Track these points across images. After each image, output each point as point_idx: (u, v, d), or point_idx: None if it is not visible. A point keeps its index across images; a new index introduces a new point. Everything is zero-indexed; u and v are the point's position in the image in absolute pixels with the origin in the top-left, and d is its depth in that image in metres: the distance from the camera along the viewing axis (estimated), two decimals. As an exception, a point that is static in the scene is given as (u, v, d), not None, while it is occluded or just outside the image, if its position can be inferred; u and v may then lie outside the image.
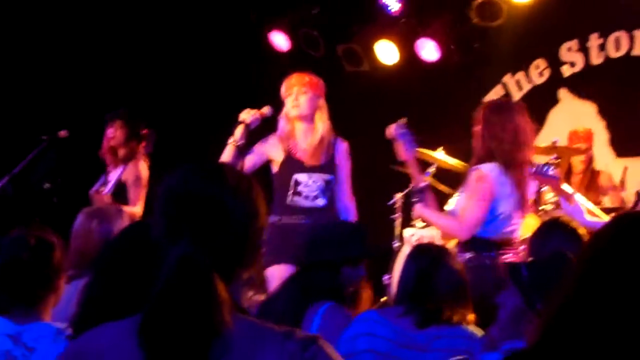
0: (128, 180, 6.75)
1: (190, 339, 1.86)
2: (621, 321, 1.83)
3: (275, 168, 5.60)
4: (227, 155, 5.44)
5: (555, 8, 7.96)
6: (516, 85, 8.54)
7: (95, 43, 8.74)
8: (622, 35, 8.02)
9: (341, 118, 8.85)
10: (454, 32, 8.33)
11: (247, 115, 5.48)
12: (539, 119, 8.25)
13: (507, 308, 3.12)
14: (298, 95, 5.60)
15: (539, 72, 8.44)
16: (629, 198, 6.46)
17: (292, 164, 5.56)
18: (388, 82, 8.64)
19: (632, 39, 7.98)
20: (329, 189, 5.55)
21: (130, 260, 2.47)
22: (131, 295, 2.24)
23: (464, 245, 4.86)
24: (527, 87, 8.49)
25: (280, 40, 8.98)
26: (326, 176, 5.56)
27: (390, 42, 8.61)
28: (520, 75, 8.52)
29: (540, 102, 8.16)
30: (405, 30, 8.51)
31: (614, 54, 8.06)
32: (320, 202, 5.49)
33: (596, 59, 8.15)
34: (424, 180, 5.17)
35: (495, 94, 8.59)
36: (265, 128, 5.65)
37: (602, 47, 8.13)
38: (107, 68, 8.80)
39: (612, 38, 8.07)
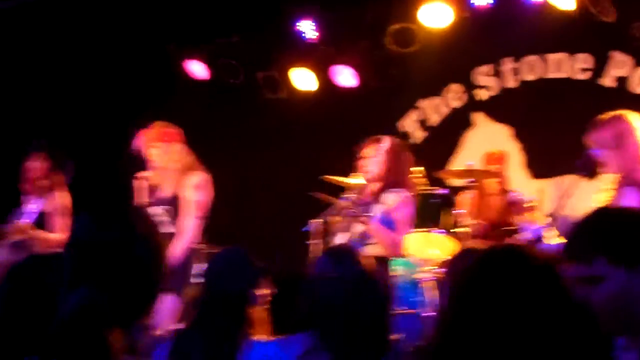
0: (52, 210, 6.72)
1: None
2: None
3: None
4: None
5: (469, 33, 8.07)
6: (433, 109, 8.61)
7: (6, 72, 8.63)
8: (535, 59, 8.15)
9: (260, 144, 8.91)
10: (370, 58, 8.40)
11: (147, 174, 6.18)
12: (455, 143, 8.38)
13: None
14: (150, 150, 6.18)
15: (454, 96, 8.53)
16: (543, 220, 6.54)
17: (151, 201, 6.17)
18: (306, 108, 8.67)
19: (545, 63, 8.11)
20: (168, 218, 6.03)
21: (22, 296, 2.41)
22: (25, 333, 2.18)
23: None
24: (444, 111, 8.57)
25: (198, 69, 8.96)
26: (164, 207, 6.06)
27: (308, 69, 8.63)
28: (436, 99, 8.60)
29: (457, 126, 8.26)
30: (322, 57, 8.55)
31: (528, 77, 8.19)
32: (169, 229, 5.95)
33: (511, 82, 8.27)
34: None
35: (410, 118, 8.66)
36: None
37: (516, 71, 8.25)
38: (20, 98, 8.68)
39: (525, 62, 8.20)
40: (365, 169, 6.28)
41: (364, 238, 5.77)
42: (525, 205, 5.77)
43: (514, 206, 5.97)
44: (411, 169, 6.40)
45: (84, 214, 2.08)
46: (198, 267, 6.07)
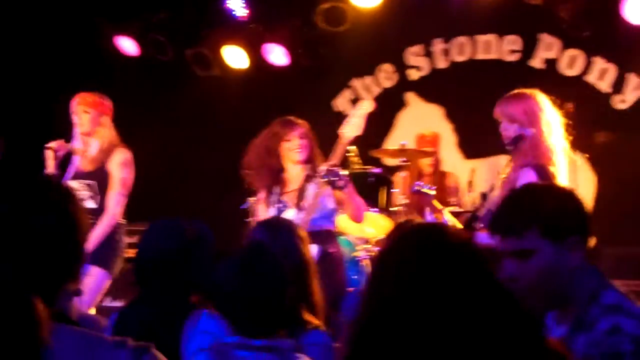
0: None
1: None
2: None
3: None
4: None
5: (400, 14, 8.11)
6: (364, 89, 8.65)
7: None
8: (465, 40, 8.24)
9: (193, 122, 8.85)
10: (301, 37, 8.39)
11: (54, 144, 6.08)
12: (388, 122, 8.44)
13: None
14: (81, 114, 6.13)
15: (386, 76, 8.58)
16: (476, 200, 6.64)
17: (72, 172, 6.19)
18: (239, 86, 8.65)
19: (474, 44, 8.21)
20: (90, 193, 6.05)
21: None
22: None
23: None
24: (375, 90, 8.62)
25: (128, 46, 8.85)
26: (88, 181, 6.08)
27: (239, 47, 8.59)
28: (368, 79, 8.64)
29: (389, 106, 8.32)
30: (252, 35, 8.51)
31: (458, 58, 8.28)
32: (89, 204, 5.99)
33: (441, 63, 8.35)
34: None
35: (344, 97, 8.70)
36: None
37: (446, 51, 8.33)
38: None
39: (455, 43, 8.28)
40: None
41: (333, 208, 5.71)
42: (428, 196, 5.92)
43: (419, 197, 6.07)
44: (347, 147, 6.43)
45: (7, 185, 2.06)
46: (123, 242, 6.15)
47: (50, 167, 6.03)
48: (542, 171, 4.81)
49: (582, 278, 2.58)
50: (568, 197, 2.67)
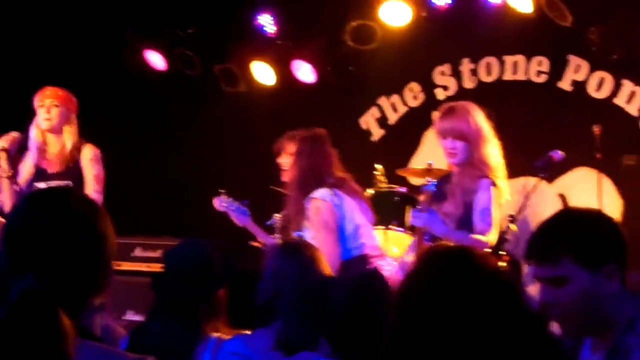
0: None
1: None
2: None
3: (21, 179, 5.79)
4: (5, 190, 5.65)
5: (428, 33, 8.12)
6: (391, 107, 8.65)
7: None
8: (493, 60, 8.23)
9: (219, 137, 8.86)
10: (329, 54, 8.40)
11: (4, 142, 5.67)
12: (414, 142, 8.42)
13: None
14: (50, 107, 5.79)
15: (413, 95, 8.57)
16: (503, 222, 6.61)
17: (36, 174, 5.81)
18: (266, 102, 8.65)
19: (502, 64, 8.19)
20: None
21: None
22: None
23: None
24: (402, 109, 8.61)
25: (156, 60, 8.89)
26: (63, 182, 5.73)
27: (266, 64, 8.61)
28: (395, 98, 8.63)
29: (415, 125, 8.31)
30: (280, 52, 8.53)
31: (485, 78, 8.26)
32: None
33: (468, 83, 8.34)
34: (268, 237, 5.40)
35: (371, 115, 8.69)
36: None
37: (473, 71, 8.32)
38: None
39: (483, 63, 8.27)
40: None
41: None
42: None
43: None
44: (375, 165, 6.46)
45: (24, 199, 2.07)
46: None
47: (5, 169, 5.67)
48: (494, 183, 5.03)
49: (619, 305, 2.56)
50: (605, 224, 2.65)
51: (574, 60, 7.83)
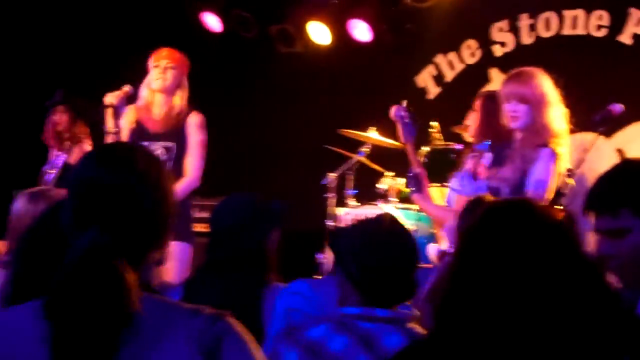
0: (76, 163, 6.64)
1: (97, 325, 1.86)
2: (497, 304, 2.01)
3: (122, 135, 5.75)
4: None
5: (486, -12, 8.04)
6: (448, 65, 8.58)
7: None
8: (552, 15, 8.10)
9: (276, 98, 8.89)
10: (386, 12, 8.34)
11: (113, 98, 5.64)
12: (471, 99, 8.32)
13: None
14: (166, 69, 5.78)
15: (470, 52, 8.48)
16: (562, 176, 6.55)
17: (138, 132, 5.80)
18: (321, 62, 8.62)
19: (561, 19, 8.06)
20: (169, 157, 5.69)
21: (47, 244, 2.41)
22: (46, 280, 2.19)
23: None
24: (459, 67, 8.53)
25: (212, 22, 8.90)
26: (166, 143, 5.73)
27: (322, 23, 8.58)
28: (452, 55, 8.55)
29: (473, 82, 8.21)
30: (336, 11, 8.49)
31: (544, 33, 8.14)
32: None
33: (527, 38, 8.23)
34: (419, 167, 5.30)
35: (427, 73, 8.63)
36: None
37: (532, 27, 8.20)
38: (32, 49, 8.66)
39: (541, 18, 8.15)
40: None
41: None
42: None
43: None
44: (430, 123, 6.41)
45: (89, 154, 2.10)
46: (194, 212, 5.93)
47: (111, 125, 5.66)
48: (555, 153, 4.93)
49: None
50: None
51: (634, 13, 7.67)
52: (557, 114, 5.04)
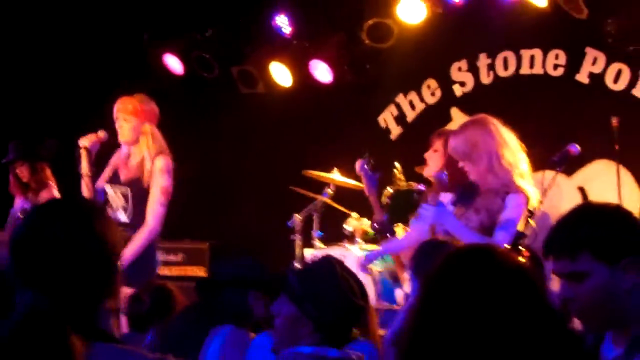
0: None
1: None
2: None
3: (100, 179, 5.95)
4: (85, 189, 5.75)
5: (445, 29, 8.11)
6: (409, 105, 8.65)
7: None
8: (510, 54, 8.20)
9: (238, 139, 8.90)
10: (346, 53, 8.40)
11: (87, 141, 5.76)
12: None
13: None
14: (122, 121, 5.85)
15: (430, 92, 8.56)
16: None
17: (111, 176, 5.93)
18: (284, 103, 8.68)
19: (519, 59, 8.17)
20: (126, 202, 5.77)
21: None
22: None
23: None
24: (420, 106, 8.60)
25: (174, 63, 8.94)
26: (124, 189, 5.82)
27: (283, 64, 8.63)
28: (412, 95, 8.63)
29: (434, 122, 8.26)
30: (297, 52, 8.55)
31: (502, 73, 8.24)
32: (120, 216, 5.74)
33: (485, 78, 8.32)
34: (381, 214, 5.37)
35: (389, 113, 8.69)
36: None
37: (490, 66, 8.30)
38: None
39: (500, 57, 8.25)
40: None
41: None
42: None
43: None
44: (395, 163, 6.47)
45: (33, 209, 2.08)
46: (158, 257, 5.90)
47: (85, 168, 5.73)
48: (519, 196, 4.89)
49: (639, 299, 2.56)
50: (621, 217, 2.64)
51: (590, 52, 7.79)
52: (509, 159, 4.99)
